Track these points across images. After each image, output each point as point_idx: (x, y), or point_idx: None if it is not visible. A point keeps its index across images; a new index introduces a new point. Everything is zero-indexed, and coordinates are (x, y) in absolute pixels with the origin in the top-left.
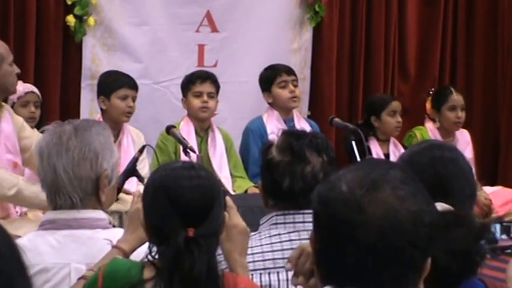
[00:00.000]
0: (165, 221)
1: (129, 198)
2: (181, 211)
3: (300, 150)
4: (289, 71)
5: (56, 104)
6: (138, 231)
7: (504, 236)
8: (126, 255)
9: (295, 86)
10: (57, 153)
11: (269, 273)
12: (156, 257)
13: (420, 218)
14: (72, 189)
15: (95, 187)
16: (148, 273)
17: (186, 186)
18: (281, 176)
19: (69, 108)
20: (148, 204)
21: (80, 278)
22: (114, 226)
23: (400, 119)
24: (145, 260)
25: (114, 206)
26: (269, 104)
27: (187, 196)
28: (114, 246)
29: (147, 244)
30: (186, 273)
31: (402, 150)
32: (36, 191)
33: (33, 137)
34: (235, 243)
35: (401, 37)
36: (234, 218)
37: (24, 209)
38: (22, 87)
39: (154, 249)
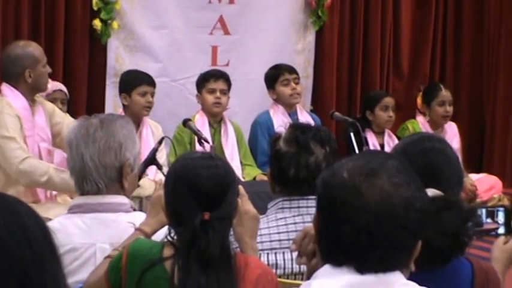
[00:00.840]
0: (184, 205)
1: (148, 184)
2: (198, 196)
3: (305, 142)
4: (291, 70)
5: (83, 100)
6: (159, 216)
7: (489, 220)
8: (148, 236)
9: (297, 84)
10: (84, 143)
11: (275, 253)
12: (175, 237)
13: (412, 204)
14: (98, 176)
15: (119, 174)
16: (167, 251)
17: (203, 174)
18: (287, 165)
19: (95, 104)
20: (170, 190)
21: (106, 257)
22: (135, 210)
23: (391, 114)
24: (165, 240)
25: (135, 192)
26: (274, 100)
27: (204, 183)
28: (137, 229)
29: (166, 227)
30: (202, 251)
31: (396, 141)
32: (65, 177)
33: (64, 121)
34: (246, 228)
35: (395, 38)
36: (246, 204)
37: (54, 193)
38: (50, 85)
39: (174, 230)
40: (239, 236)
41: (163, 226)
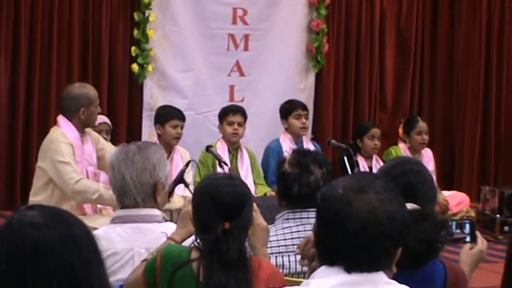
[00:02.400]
0: (208, 216)
1: (177, 199)
2: (220, 209)
3: (305, 164)
4: (304, 107)
5: (124, 130)
6: (187, 227)
7: (458, 230)
8: (178, 244)
9: (306, 119)
10: (125, 165)
11: (282, 256)
12: (200, 243)
13: (394, 216)
14: (136, 192)
15: (153, 191)
16: (194, 254)
17: (224, 191)
18: (292, 183)
19: (133, 133)
20: (197, 204)
21: (143, 260)
22: (166, 221)
23: (377, 142)
24: (192, 245)
25: (166, 205)
26: (285, 128)
27: (225, 198)
28: (168, 238)
29: (193, 236)
30: (222, 255)
31: (382, 164)
32: (111, 194)
33: (107, 148)
34: (258, 237)
35: (381, 79)
36: (258, 218)
37: (99, 207)
38: (99, 118)
39: (199, 237)
40: (253, 244)
41: (190, 235)
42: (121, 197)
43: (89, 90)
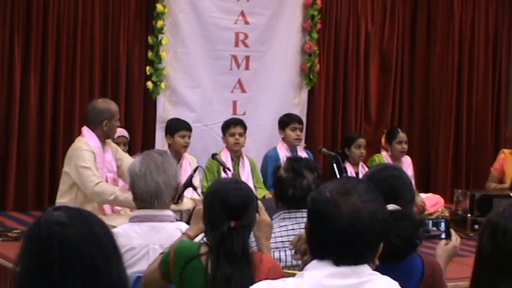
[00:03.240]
0: (217, 216)
1: (187, 201)
2: (227, 210)
3: (299, 169)
4: (300, 121)
5: (139, 140)
6: (200, 224)
7: (434, 228)
8: (191, 239)
9: (301, 132)
10: (157, 172)
11: (279, 251)
12: (209, 239)
13: (375, 215)
14: (167, 195)
15: (175, 193)
16: (203, 249)
17: (231, 194)
18: (287, 187)
19: (148, 143)
20: (207, 205)
21: (160, 254)
22: (177, 220)
23: (363, 151)
24: (202, 241)
25: (177, 206)
26: (282, 138)
27: (232, 200)
28: (183, 233)
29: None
30: (228, 250)
31: (367, 170)
32: (127, 196)
33: (124, 158)
34: (263, 232)
35: (366, 95)
36: (263, 215)
37: (119, 208)
38: (118, 131)
39: (209, 234)
40: (258, 238)
41: (202, 232)
42: (152, 200)
43: (111, 105)
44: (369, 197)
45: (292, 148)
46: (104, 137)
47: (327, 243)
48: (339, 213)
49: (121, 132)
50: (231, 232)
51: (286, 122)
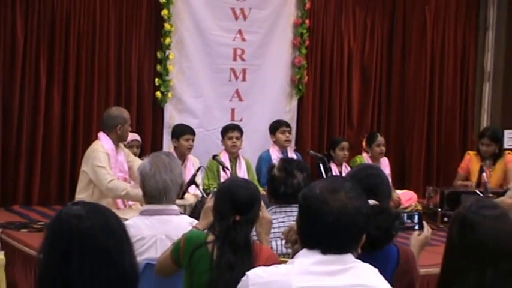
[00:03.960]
0: (225, 209)
1: (190, 197)
2: (235, 205)
3: (290, 170)
4: (287, 125)
5: (149, 143)
6: (208, 219)
7: (409, 220)
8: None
9: (289, 134)
10: (165, 172)
11: (271, 241)
12: (216, 229)
13: (360, 210)
14: (174, 192)
15: (180, 189)
16: (210, 238)
17: (241, 191)
18: (279, 185)
19: (156, 145)
20: (218, 199)
21: (172, 244)
22: (181, 213)
23: (346, 153)
24: (209, 231)
25: (181, 201)
26: (273, 142)
27: (241, 196)
28: (194, 226)
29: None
30: (232, 240)
31: (349, 169)
32: (137, 192)
33: (135, 161)
34: (263, 227)
35: (349, 104)
36: (264, 213)
37: (131, 203)
38: (130, 136)
39: (216, 225)
40: (258, 233)
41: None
42: (161, 196)
43: (123, 112)
44: (354, 194)
45: (283, 149)
46: (117, 140)
47: (316, 234)
48: (327, 208)
49: (134, 136)
50: (236, 225)
51: (275, 126)
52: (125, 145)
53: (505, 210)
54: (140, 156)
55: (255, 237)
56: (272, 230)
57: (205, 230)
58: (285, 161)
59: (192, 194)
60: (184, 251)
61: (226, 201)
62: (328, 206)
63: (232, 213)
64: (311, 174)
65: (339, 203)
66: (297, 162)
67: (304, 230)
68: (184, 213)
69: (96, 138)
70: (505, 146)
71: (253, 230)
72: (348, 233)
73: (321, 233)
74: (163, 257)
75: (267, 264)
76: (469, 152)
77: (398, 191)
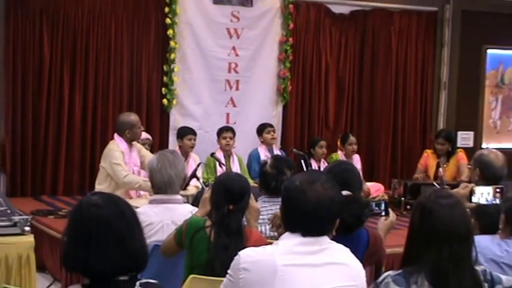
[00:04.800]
0: (220, 200)
1: (192, 188)
2: (228, 196)
3: (281, 168)
4: (271, 125)
5: (157, 142)
6: (206, 208)
7: (376, 208)
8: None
9: (274, 133)
10: (170, 167)
11: (260, 225)
12: (213, 216)
13: (334, 199)
14: (177, 184)
15: (182, 182)
16: (208, 223)
17: (234, 184)
18: (270, 180)
19: (163, 144)
20: (214, 190)
21: (175, 228)
22: (185, 202)
23: (324, 150)
24: (207, 218)
25: (184, 192)
26: (261, 142)
27: (233, 188)
28: (193, 214)
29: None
30: (226, 226)
31: (327, 165)
32: (148, 184)
33: (147, 155)
34: (252, 215)
35: (326, 109)
36: (253, 202)
37: (143, 193)
38: (143, 135)
39: (213, 213)
40: (248, 220)
41: (207, 214)
42: (166, 188)
43: (133, 117)
44: (329, 185)
45: (270, 147)
46: (129, 140)
47: (297, 220)
48: (306, 198)
49: (146, 135)
50: (229, 213)
51: (261, 129)
52: (138, 142)
53: (458, 200)
54: (151, 152)
55: (245, 223)
56: (261, 217)
57: (204, 217)
58: (276, 159)
59: (194, 186)
60: (186, 234)
61: (221, 192)
62: (307, 196)
63: (227, 203)
64: (296, 170)
65: (316, 193)
66: (286, 161)
67: (287, 217)
68: (187, 202)
69: (112, 138)
70: (458, 145)
71: (244, 217)
72: (324, 218)
73: (300, 219)
74: (168, 240)
75: (256, 245)
76: (427, 150)
77: (368, 183)
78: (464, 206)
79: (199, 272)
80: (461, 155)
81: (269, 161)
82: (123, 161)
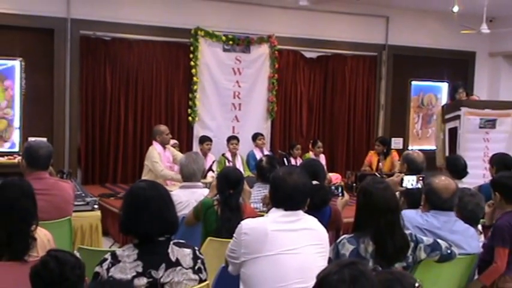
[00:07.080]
0: (223, 186)
1: (209, 177)
2: (229, 183)
3: (274, 163)
4: (262, 135)
5: (185, 147)
6: (213, 191)
7: (336, 191)
8: (209, 198)
9: (264, 139)
10: (194, 163)
11: (256, 203)
12: (219, 198)
13: (306, 185)
14: (199, 175)
15: (202, 174)
16: (216, 203)
17: (232, 174)
18: (266, 172)
19: (188, 148)
20: (219, 179)
21: (194, 207)
22: (204, 187)
23: (299, 152)
24: (215, 198)
25: (204, 181)
26: (255, 145)
27: (232, 178)
28: (205, 196)
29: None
30: (229, 203)
31: (301, 161)
32: (178, 177)
33: (178, 155)
34: (246, 195)
35: (301, 123)
36: (246, 187)
37: (174, 182)
38: (173, 141)
39: (219, 195)
40: (243, 199)
41: (215, 195)
42: (192, 177)
43: (162, 127)
44: (302, 175)
45: (261, 150)
46: (162, 144)
47: (280, 199)
48: (286, 184)
49: (174, 141)
50: (230, 195)
51: (255, 136)
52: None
53: (388, 184)
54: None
55: (242, 201)
56: (257, 197)
57: (213, 198)
58: (270, 158)
59: (210, 176)
60: (200, 210)
61: (224, 181)
62: (286, 183)
63: (228, 188)
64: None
65: (293, 181)
66: (277, 159)
67: (273, 197)
68: (206, 187)
69: (151, 143)
70: (392, 147)
71: (240, 197)
72: (299, 198)
73: (283, 198)
74: (189, 214)
75: (250, 216)
76: (371, 151)
77: (330, 174)
78: (392, 189)
79: (211, 236)
80: (394, 154)
81: (264, 159)
82: (160, 160)
